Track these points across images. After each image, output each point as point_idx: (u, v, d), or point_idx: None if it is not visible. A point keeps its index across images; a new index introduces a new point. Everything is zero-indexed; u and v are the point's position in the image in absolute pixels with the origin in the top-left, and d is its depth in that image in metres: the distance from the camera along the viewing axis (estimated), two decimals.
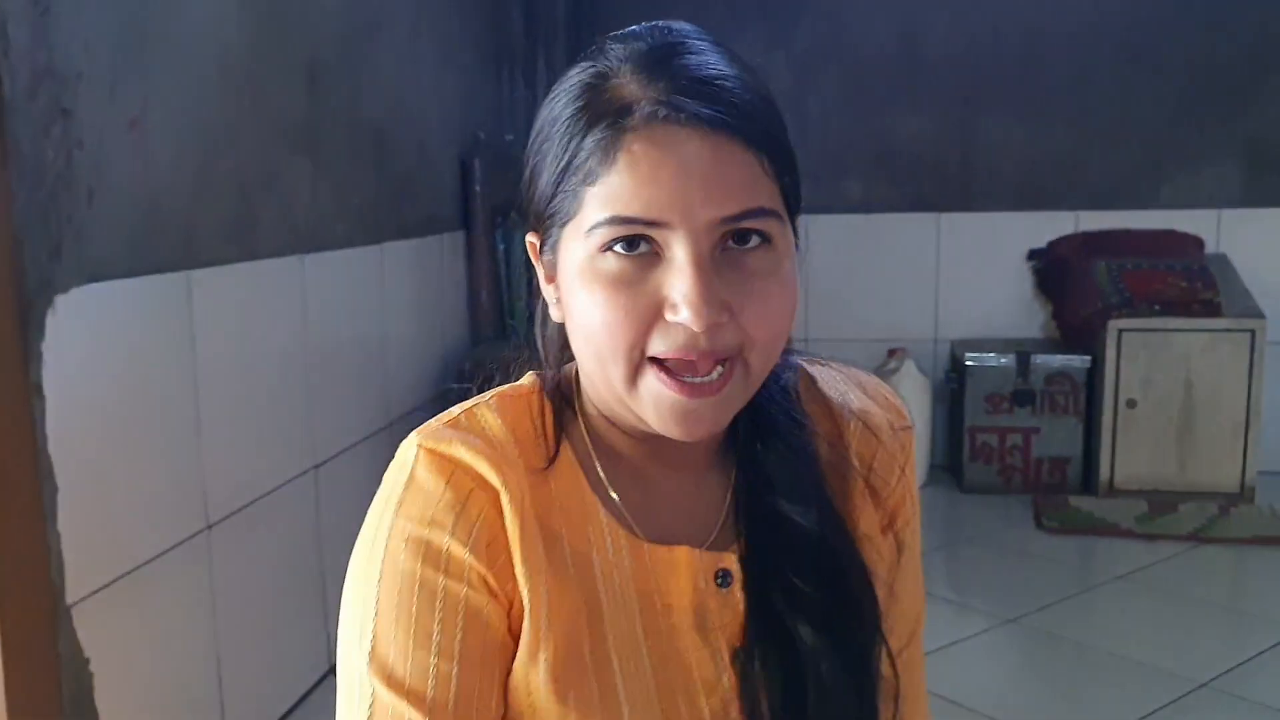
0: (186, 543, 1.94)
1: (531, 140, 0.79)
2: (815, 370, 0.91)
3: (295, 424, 2.37)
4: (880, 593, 0.85)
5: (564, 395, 0.84)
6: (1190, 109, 4.06)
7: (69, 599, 1.61)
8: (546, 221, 0.78)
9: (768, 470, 0.83)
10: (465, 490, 0.76)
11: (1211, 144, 4.07)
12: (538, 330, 0.87)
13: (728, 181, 0.71)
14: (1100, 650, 2.69)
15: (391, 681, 0.74)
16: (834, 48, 4.23)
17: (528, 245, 0.83)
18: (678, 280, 0.71)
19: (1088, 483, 3.88)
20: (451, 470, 0.77)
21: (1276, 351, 3.82)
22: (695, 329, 0.70)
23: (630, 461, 0.83)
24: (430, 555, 0.75)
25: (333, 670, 2.49)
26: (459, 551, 0.75)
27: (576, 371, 0.85)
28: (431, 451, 0.78)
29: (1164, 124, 4.09)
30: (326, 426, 2.50)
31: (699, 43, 0.76)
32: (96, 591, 1.67)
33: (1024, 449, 3.91)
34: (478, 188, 3.55)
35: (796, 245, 0.78)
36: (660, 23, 0.78)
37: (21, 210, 1.52)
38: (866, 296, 4.27)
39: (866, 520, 0.86)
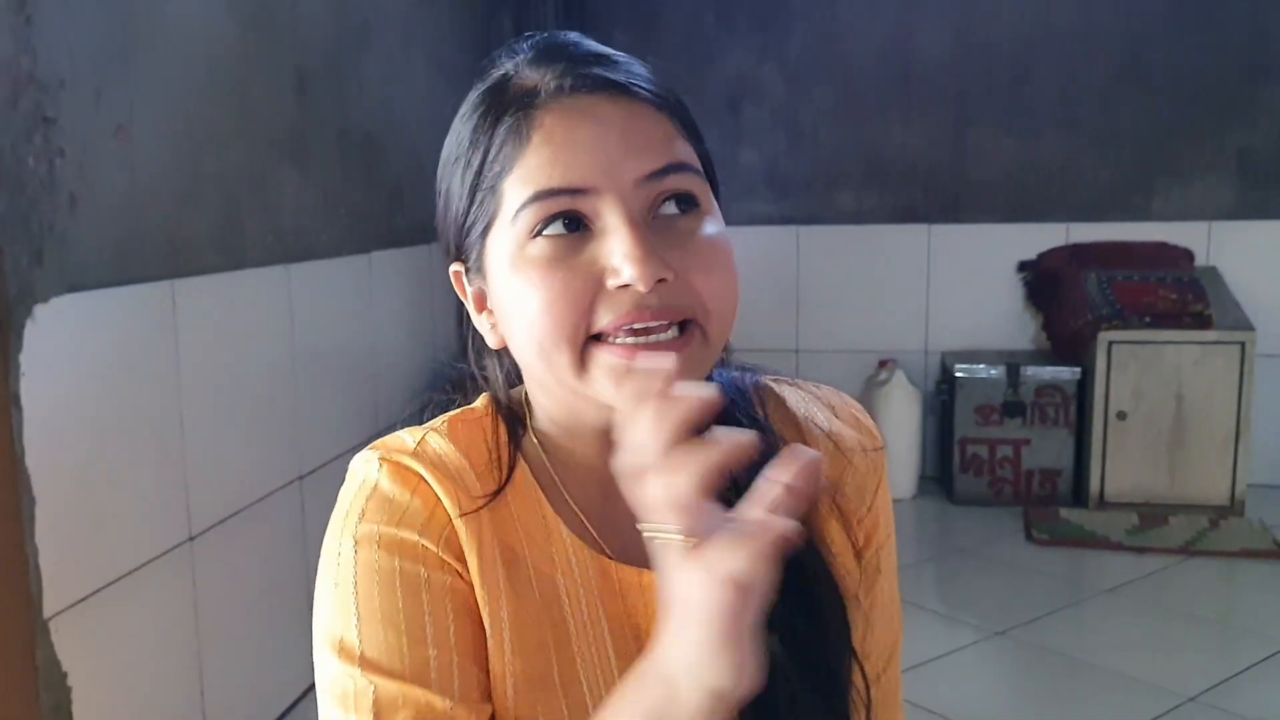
0: (169, 554, 1.92)
1: (440, 174, 0.78)
2: (783, 390, 0.89)
3: (280, 434, 2.35)
4: (850, 608, 0.82)
5: (516, 415, 0.82)
6: (1180, 121, 4.07)
7: (47, 612, 1.59)
8: (467, 238, 0.76)
9: (734, 479, 0.78)
10: (431, 501, 0.75)
11: (1202, 156, 4.08)
12: (476, 360, 0.85)
13: (646, 138, 0.71)
14: (1090, 664, 2.68)
15: (391, 675, 0.71)
16: (826, 60, 4.24)
17: (452, 278, 0.80)
18: (614, 242, 0.68)
19: (1078, 495, 3.87)
20: (417, 482, 0.75)
21: (1266, 364, 3.82)
22: (641, 287, 0.67)
23: (590, 477, 0.80)
24: (406, 550, 0.73)
25: None
26: (433, 547, 0.73)
27: (526, 393, 0.83)
28: (396, 464, 0.76)
29: (1154, 136, 4.09)
30: (312, 437, 2.48)
31: (584, 39, 0.77)
32: (75, 604, 1.65)
33: (1014, 461, 3.90)
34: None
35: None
36: (546, 32, 0.79)
37: (1, 218, 1.50)
38: (857, 307, 4.26)
39: (835, 539, 0.84)
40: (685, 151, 0.73)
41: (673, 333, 0.69)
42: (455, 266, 0.80)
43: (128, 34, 1.81)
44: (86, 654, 1.67)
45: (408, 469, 0.76)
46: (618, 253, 0.68)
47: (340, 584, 0.73)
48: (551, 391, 0.77)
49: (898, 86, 4.22)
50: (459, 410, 0.83)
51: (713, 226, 0.73)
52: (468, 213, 0.75)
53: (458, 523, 0.75)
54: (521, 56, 0.76)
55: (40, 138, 1.59)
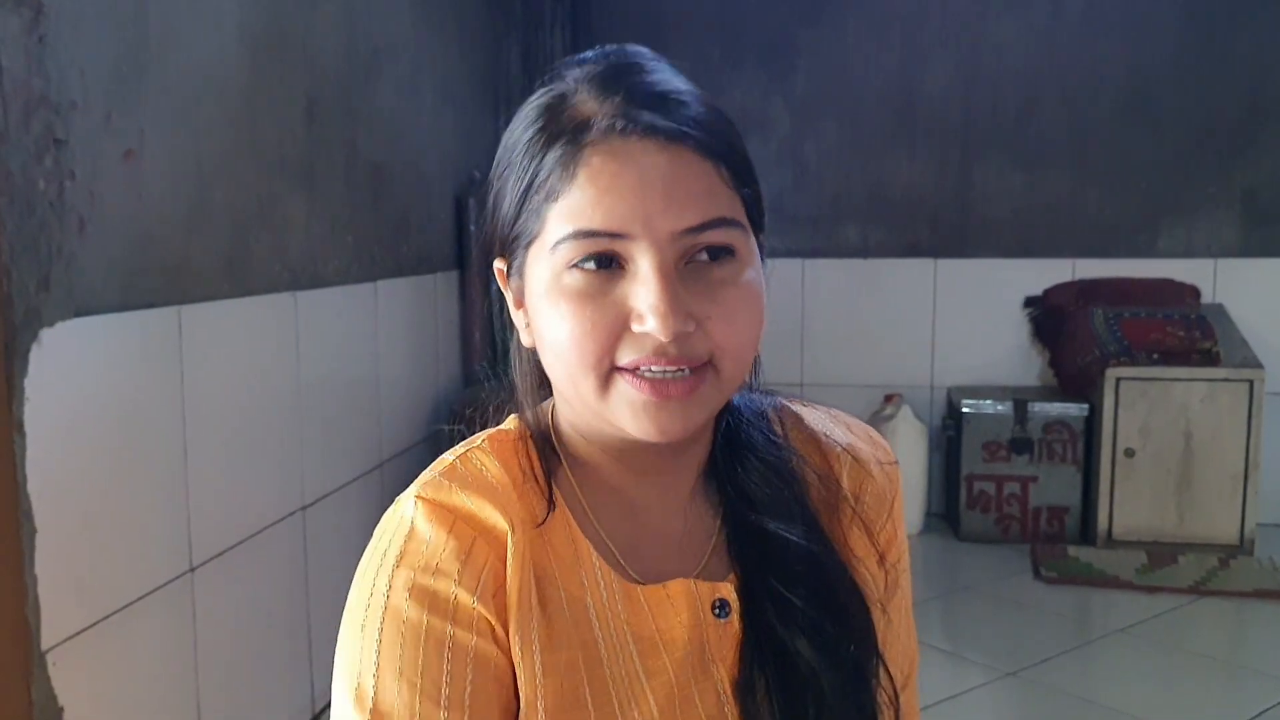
0: (168, 585, 1.88)
1: (494, 168, 0.80)
2: (802, 410, 0.91)
3: (284, 464, 2.32)
4: (874, 613, 0.84)
5: (545, 436, 0.83)
6: (1187, 159, 4.07)
7: (44, 644, 1.55)
8: (512, 244, 0.78)
9: (748, 490, 0.83)
10: (469, 539, 0.75)
11: (1208, 194, 4.08)
12: (514, 366, 0.87)
13: (687, 191, 0.72)
14: (1103, 706, 2.63)
15: None
16: (832, 93, 4.24)
17: (495, 272, 0.83)
18: (642, 290, 0.71)
19: (1086, 532, 3.83)
20: (453, 520, 0.76)
21: (1276, 402, 3.80)
22: (662, 338, 0.70)
23: (616, 494, 0.82)
24: (437, 604, 0.73)
25: (317, 719, 2.42)
26: (466, 600, 0.74)
27: (554, 408, 0.84)
28: (431, 502, 0.77)
29: (1161, 173, 4.09)
30: (316, 467, 2.45)
31: (653, 62, 0.78)
32: (73, 636, 1.61)
33: (1021, 498, 3.86)
34: (473, 227, 3.52)
35: (763, 258, 0.80)
36: (615, 46, 0.80)
37: (10, 239, 1.48)
38: (863, 342, 4.24)
39: (859, 545, 0.86)
40: (727, 204, 0.74)
41: (684, 372, 0.72)
42: (499, 263, 0.81)
43: (139, 57, 1.80)
44: (84, 688, 1.63)
45: (443, 507, 0.77)
46: (645, 302, 0.71)
47: (367, 628, 0.74)
48: (578, 412, 0.80)
49: (903, 121, 4.22)
50: (494, 430, 0.84)
51: (747, 273, 0.75)
52: (514, 223, 0.77)
53: (510, 538, 0.75)
54: (583, 73, 0.77)
55: (51, 160, 1.57)
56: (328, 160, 2.54)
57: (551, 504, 0.79)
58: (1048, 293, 4.14)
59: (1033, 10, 4.12)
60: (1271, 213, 4.05)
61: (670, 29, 4.26)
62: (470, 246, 3.54)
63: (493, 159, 0.81)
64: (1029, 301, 4.18)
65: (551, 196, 0.73)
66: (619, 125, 0.72)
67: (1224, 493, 3.67)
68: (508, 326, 0.85)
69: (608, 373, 0.73)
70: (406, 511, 0.77)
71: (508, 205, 0.77)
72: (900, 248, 4.26)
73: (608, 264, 0.72)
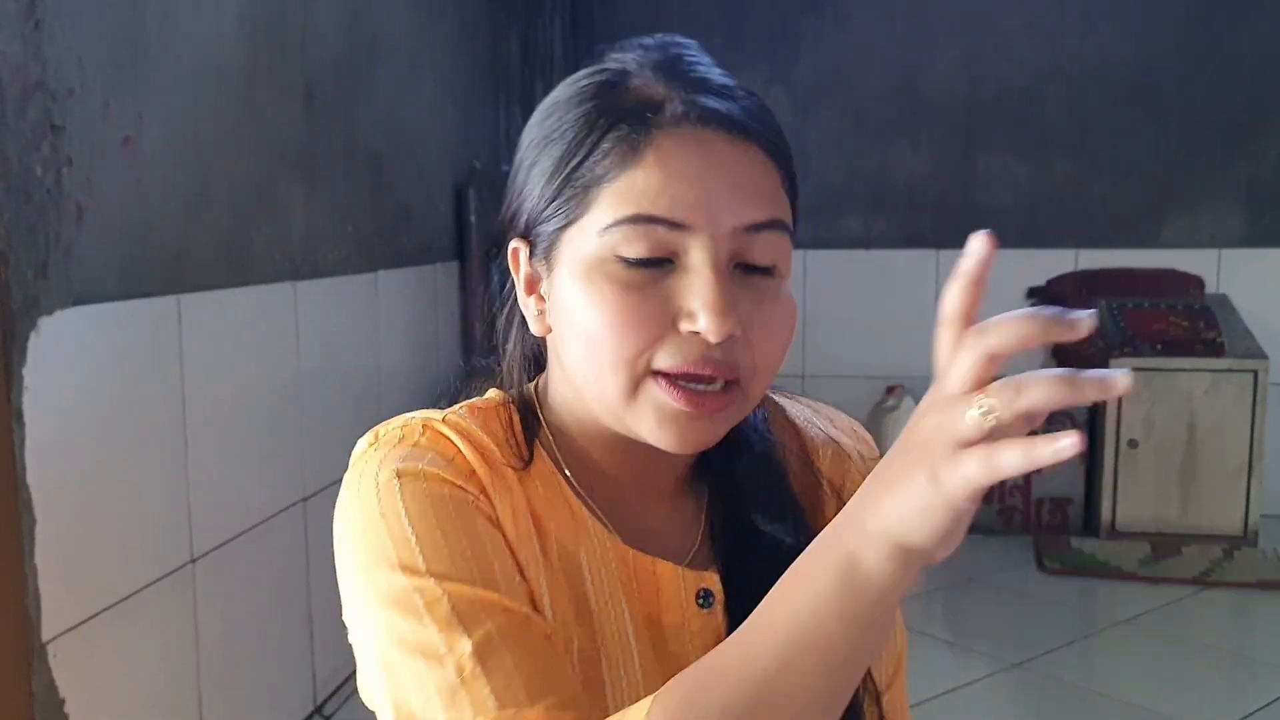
0: (170, 576, 1.87)
1: (525, 148, 0.77)
2: (783, 402, 0.89)
3: (285, 455, 2.30)
4: None
5: (530, 407, 0.81)
6: (1191, 149, 4.06)
7: (45, 635, 1.53)
8: (541, 224, 0.74)
9: (743, 487, 0.81)
10: (467, 468, 0.72)
11: (1212, 184, 4.06)
12: (509, 345, 0.84)
13: (754, 188, 0.70)
14: (1108, 697, 2.63)
15: (465, 583, 0.66)
16: (834, 83, 4.22)
17: (509, 253, 0.78)
18: (698, 286, 0.68)
19: (1089, 524, 3.82)
20: (454, 452, 0.73)
21: (1277, 393, 3.78)
22: (713, 339, 0.68)
23: (600, 478, 0.79)
24: (454, 486, 0.70)
25: (319, 711, 2.41)
26: (475, 489, 0.71)
27: (538, 387, 0.82)
28: (434, 430, 0.74)
29: (1165, 163, 4.08)
30: (317, 458, 2.43)
31: (704, 55, 0.76)
32: (74, 627, 1.60)
33: (1024, 489, 3.85)
34: (473, 218, 3.51)
35: None
36: (663, 35, 0.77)
37: (7, 227, 1.46)
38: (864, 333, 4.23)
39: None
40: (784, 209, 0.72)
41: (718, 386, 0.70)
42: (517, 243, 0.78)
43: (138, 43, 1.78)
44: (85, 679, 1.62)
45: (444, 435, 0.73)
46: (698, 298, 0.68)
47: (387, 513, 0.68)
48: (584, 397, 0.75)
49: (906, 111, 4.21)
50: (473, 400, 0.81)
51: (787, 288, 0.73)
52: (551, 202, 0.73)
53: (493, 487, 0.72)
54: (646, 57, 0.74)
55: (48, 146, 1.55)
56: (327, 149, 2.52)
57: (530, 457, 0.76)
58: (1051, 283, 4.13)
59: None
60: (1276, 202, 4.04)
61: (671, 17, 4.23)
62: (470, 238, 3.53)
63: (493, 149, 0.79)
64: (1032, 292, 4.16)
65: (608, 176, 0.70)
66: (693, 113, 0.70)
67: (1228, 484, 3.66)
68: (500, 306, 0.83)
69: (641, 375, 0.70)
70: (410, 432, 0.73)
71: (544, 185, 0.74)
72: (902, 238, 4.24)
73: (658, 263, 0.69)
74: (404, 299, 3.05)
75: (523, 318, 0.80)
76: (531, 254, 0.77)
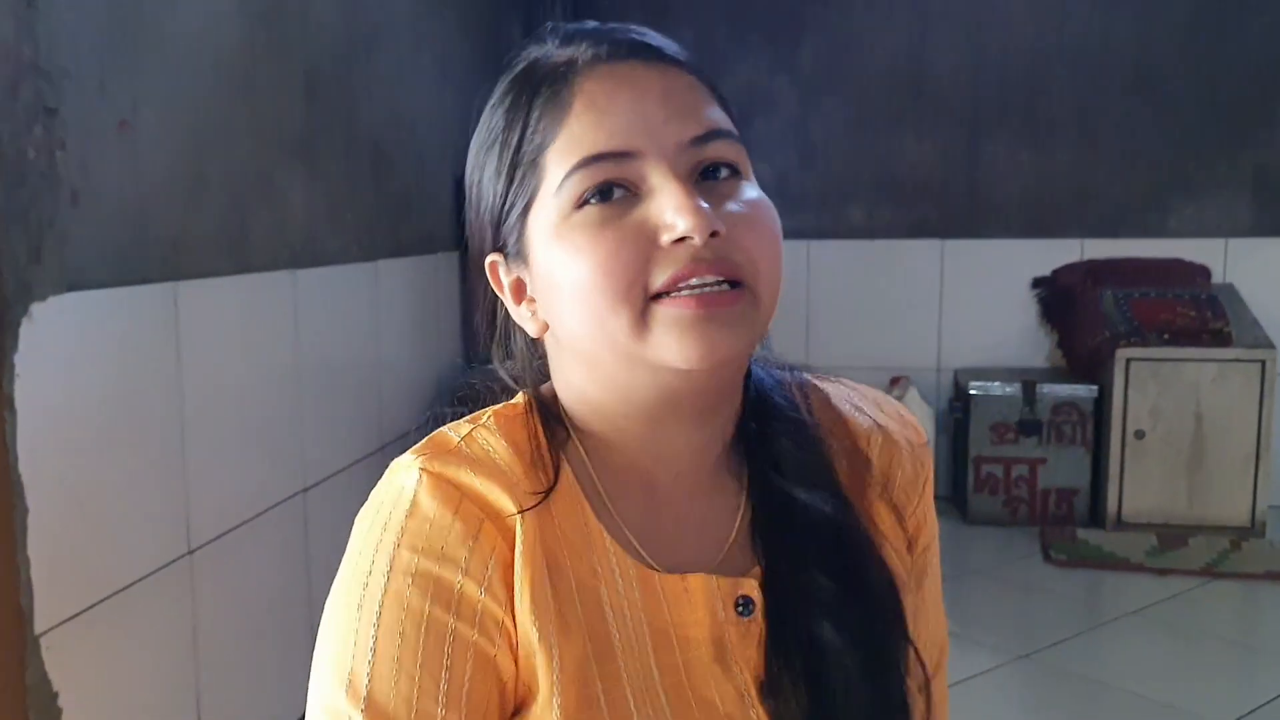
0: (167, 568, 1.84)
1: (470, 168, 0.77)
2: (827, 386, 0.87)
3: (284, 445, 2.28)
4: (903, 594, 0.80)
5: (553, 414, 0.78)
6: (1198, 137, 4.02)
7: (38, 628, 1.51)
8: (505, 223, 0.74)
9: (779, 453, 0.79)
10: (476, 522, 0.70)
11: (1219, 172, 4.03)
12: (514, 351, 0.82)
13: (686, 104, 0.71)
14: (1116, 689, 2.60)
15: None
16: (838, 71, 4.19)
17: (488, 270, 0.78)
18: (665, 198, 0.68)
19: (1095, 515, 3.79)
20: (460, 499, 0.71)
21: None
22: (697, 238, 0.67)
23: (633, 480, 0.76)
24: (441, 595, 0.68)
25: None
26: (473, 591, 0.69)
27: (558, 387, 0.79)
28: (436, 476, 0.71)
29: (1171, 152, 4.04)
30: (316, 448, 2.40)
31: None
32: (68, 620, 1.57)
33: (1030, 480, 3.82)
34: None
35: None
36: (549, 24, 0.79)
37: (0, 210, 1.43)
38: (869, 323, 4.20)
39: (887, 527, 0.82)
40: (724, 119, 0.73)
41: (725, 286, 0.68)
42: (492, 257, 0.76)
43: (133, 25, 1.75)
44: (79, 673, 1.59)
45: (450, 483, 0.71)
46: (670, 208, 0.67)
47: (364, 609, 0.69)
48: (599, 367, 0.73)
49: (911, 100, 4.17)
50: (501, 405, 0.79)
51: (756, 189, 0.72)
52: (506, 195, 0.73)
53: (519, 525, 0.70)
54: (549, 42, 0.75)
55: (41, 129, 1.52)
56: (327, 136, 2.48)
57: (555, 476, 0.74)
58: (1056, 273, 4.09)
59: None
60: None
61: (675, 5, 4.20)
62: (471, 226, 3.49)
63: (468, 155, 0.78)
64: (1037, 282, 4.13)
65: (548, 139, 0.70)
66: (604, 52, 0.71)
67: (1235, 474, 3.63)
68: (487, 323, 0.82)
69: (643, 303, 0.68)
70: (409, 483, 0.71)
71: (493, 186, 0.74)
72: (907, 228, 4.21)
73: (620, 194, 0.69)
74: (404, 288, 3.02)
75: (522, 329, 0.79)
76: (507, 259, 0.76)
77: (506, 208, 0.73)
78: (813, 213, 4.17)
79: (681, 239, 0.67)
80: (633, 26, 0.75)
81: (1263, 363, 3.58)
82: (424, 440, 0.76)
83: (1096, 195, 4.11)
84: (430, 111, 3.21)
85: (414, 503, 0.71)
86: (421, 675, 0.67)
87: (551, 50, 0.74)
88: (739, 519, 0.79)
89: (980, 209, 4.17)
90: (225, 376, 2.03)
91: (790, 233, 0.74)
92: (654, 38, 0.74)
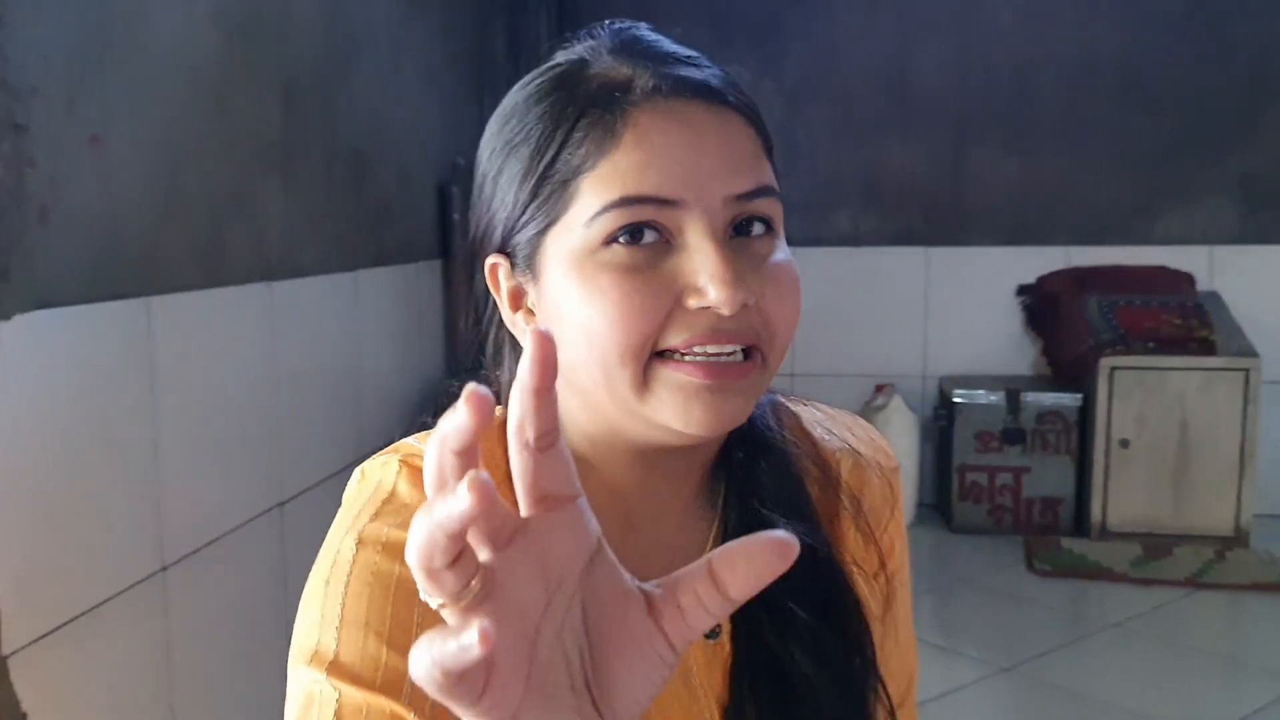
0: (140, 585, 1.82)
1: (486, 158, 0.73)
2: (798, 409, 0.86)
3: (260, 459, 2.26)
4: (872, 623, 0.79)
5: None
6: (1183, 144, 4.02)
7: (6, 648, 1.49)
8: (519, 233, 0.70)
9: (763, 486, 0.77)
10: None
11: (1204, 180, 4.03)
12: (503, 366, 0.80)
13: (739, 156, 0.68)
14: (1099, 702, 2.60)
15: (360, 683, 0.64)
16: (824, 78, 4.18)
17: (487, 270, 0.74)
18: (701, 261, 0.65)
19: (1080, 524, 3.79)
20: None
21: (1271, 391, 3.76)
22: (726, 311, 0.64)
23: (613, 502, 0.75)
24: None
25: None
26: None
27: None
28: (416, 469, 0.71)
29: (1156, 159, 4.04)
30: (294, 461, 2.39)
31: (660, 33, 0.74)
32: (38, 639, 1.55)
33: (1014, 488, 3.82)
34: (456, 215, 3.46)
35: None
36: (612, 22, 0.74)
37: None
38: (854, 331, 4.19)
39: (857, 552, 0.81)
40: (770, 174, 0.70)
41: (738, 356, 0.67)
42: (494, 259, 0.73)
43: (104, 40, 1.73)
44: (49, 694, 1.57)
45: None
46: (704, 272, 0.65)
47: (331, 583, 0.68)
48: (594, 404, 0.71)
49: (896, 107, 4.17)
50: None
51: (786, 250, 0.70)
52: (527, 206, 0.69)
53: None
54: (600, 44, 0.71)
55: (9, 146, 1.50)
56: (305, 146, 2.47)
57: None
58: (1041, 280, 4.09)
59: None
60: (1269, 199, 4.00)
61: (658, 10, 4.19)
62: (454, 235, 3.48)
63: (477, 145, 0.75)
64: (1022, 289, 4.13)
65: (587, 166, 0.66)
66: (665, 85, 0.67)
67: (1220, 483, 3.63)
68: (488, 328, 0.79)
69: (648, 362, 0.66)
70: (387, 476, 0.71)
71: (516, 191, 0.70)
72: (892, 235, 4.21)
73: (654, 239, 0.66)
74: (385, 299, 3.00)
75: (513, 338, 0.76)
76: (513, 267, 0.72)
77: (524, 219, 0.70)
78: (798, 220, 4.15)
79: (707, 306, 0.65)
80: (690, 52, 0.72)
81: (1247, 371, 3.59)
82: (393, 445, 0.75)
83: (1082, 202, 4.11)
84: (412, 119, 3.19)
85: (393, 491, 0.70)
86: (391, 630, 0.65)
87: (606, 60, 0.70)
88: (711, 542, 0.78)
89: (965, 216, 4.17)
90: (200, 391, 2.01)
91: None
92: (716, 76, 0.70)
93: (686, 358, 0.66)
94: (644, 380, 0.66)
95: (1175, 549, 3.57)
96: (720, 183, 0.66)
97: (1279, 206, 4.00)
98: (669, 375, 0.66)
